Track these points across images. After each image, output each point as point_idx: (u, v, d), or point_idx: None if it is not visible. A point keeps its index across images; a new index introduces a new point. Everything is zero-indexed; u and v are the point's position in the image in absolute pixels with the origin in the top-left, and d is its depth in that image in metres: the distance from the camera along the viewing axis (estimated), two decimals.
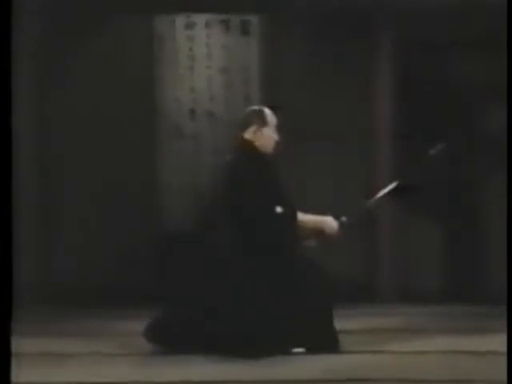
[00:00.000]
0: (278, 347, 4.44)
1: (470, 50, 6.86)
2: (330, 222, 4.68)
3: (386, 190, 4.93)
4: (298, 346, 4.48)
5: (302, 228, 4.62)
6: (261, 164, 4.65)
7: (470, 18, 6.55)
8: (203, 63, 7.02)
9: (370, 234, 6.85)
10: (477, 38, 6.71)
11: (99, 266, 6.72)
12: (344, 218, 4.71)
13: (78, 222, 6.86)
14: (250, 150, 4.70)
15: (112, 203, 6.84)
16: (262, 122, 4.74)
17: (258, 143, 4.72)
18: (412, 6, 6.65)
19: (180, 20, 7.02)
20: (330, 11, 6.79)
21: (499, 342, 4.31)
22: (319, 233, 4.67)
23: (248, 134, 4.74)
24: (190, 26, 7.02)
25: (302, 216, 4.64)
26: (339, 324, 4.60)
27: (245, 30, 7.02)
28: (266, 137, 4.74)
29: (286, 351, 4.45)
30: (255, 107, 4.91)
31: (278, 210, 4.52)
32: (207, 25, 7.01)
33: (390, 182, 6.81)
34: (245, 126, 4.76)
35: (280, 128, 4.83)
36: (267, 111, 4.80)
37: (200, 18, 7.02)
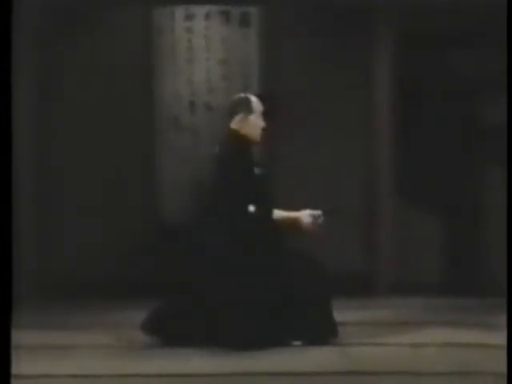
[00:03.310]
0: (276, 339, 4.45)
1: (470, 48, 6.87)
2: (304, 216, 4.67)
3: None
4: (297, 339, 4.49)
5: (280, 225, 4.62)
6: (243, 156, 4.62)
7: (470, 15, 6.56)
8: (202, 55, 7.01)
9: (369, 228, 6.86)
10: (477, 34, 6.72)
11: (99, 259, 6.73)
12: (318, 213, 4.68)
13: (78, 216, 6.87)
14: (235, 141, 4.68)
15: (111, 197, 6.84)
16: (248, 109, 4.73)
17: (244, 131, 4.71)
18: (412, 4, 6.65)
19: (179, 11, 7.00)
20: (329, 4, 6.78)
21: (498, 335, 4.33)
22: (296, 226, 4.66)
23: (234, 123, 4.74)
24: (189, 17, 7.00)
25: (277, 213, 4.65)
26: (338, 316, 4.62)
27: (244, 22, 7.00)
28: (253, 124, 4.72)
29: (284, 343, 4.46)
30: (241, 95, 4.88)
31: (251, 208, 4.51)
32: (207, 16, 7.00)
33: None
34: (231, 114, 4.75)
35: (270, 117, 4.83)
36: (253, 98, 4.79)
37: (200, 10, 7.00)
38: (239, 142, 4.67)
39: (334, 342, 4.53)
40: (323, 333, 4.54)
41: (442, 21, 6.70)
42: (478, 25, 6.68)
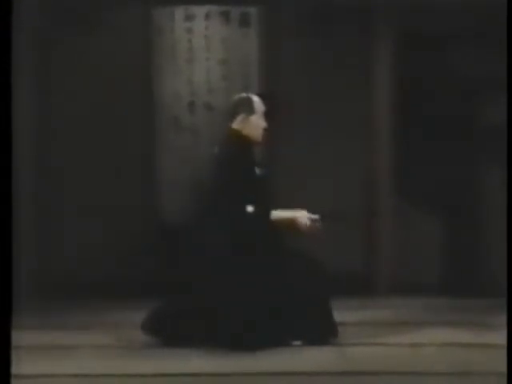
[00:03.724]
0: (276, 339, 4.45)
1: (470, 48, 6.86)
2: (301, 218, 4.65)
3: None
4: (297, 339, 4.49)
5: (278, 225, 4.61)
6: (244, 157, 4.62)
7: (470, 15, 6.55)
8: (202, 55, 7.01)
9: (369, 228, 6.86)
10: (477, 34, 6.71)
11: (99, 259, 6.73)
12: (316, 217, 4.66)
13: (78, 216, 6.86)
14: (236, 141, 4.67)
15: (111, 197, 6.84)
16: (250, 109, 4.72)
17: (245, 132, 4.70)
18: (412, 4, 6.65)
19: (179, 12, 7.00)
20: (329, 4, 6.78)
21: (498, 335, 4.33)
22: (293, 228, 4.65)
23: (236, 124, 4.73)
24: (189, 17, 7.00)
25: (274, 214, 4.63)
26: (338, 316, 4.62)
27: (244, 22, 7.00)
28: (254, 125, 4.71)
29: (284, 343, 4.46)
30: (242, 95, 4.87)
31: (251, 208, 4.50)
32: (207, 17, 7.00)
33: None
34: (233, 114, 4.75)
35: (271, 117, 4.82)
36: (255, 98, 4.78)
37: (199, 10, 7.00)
38: (241, 142, 4.67)
39: (334, 342, 4.53)
40: (323, 333, 4.55)
41: (442, 21, 6.70)
42: (478, 25, 6.68)
